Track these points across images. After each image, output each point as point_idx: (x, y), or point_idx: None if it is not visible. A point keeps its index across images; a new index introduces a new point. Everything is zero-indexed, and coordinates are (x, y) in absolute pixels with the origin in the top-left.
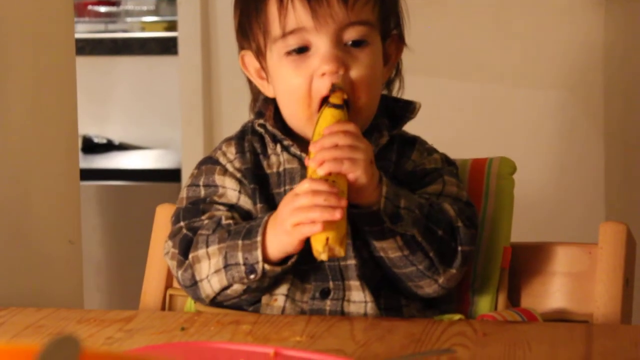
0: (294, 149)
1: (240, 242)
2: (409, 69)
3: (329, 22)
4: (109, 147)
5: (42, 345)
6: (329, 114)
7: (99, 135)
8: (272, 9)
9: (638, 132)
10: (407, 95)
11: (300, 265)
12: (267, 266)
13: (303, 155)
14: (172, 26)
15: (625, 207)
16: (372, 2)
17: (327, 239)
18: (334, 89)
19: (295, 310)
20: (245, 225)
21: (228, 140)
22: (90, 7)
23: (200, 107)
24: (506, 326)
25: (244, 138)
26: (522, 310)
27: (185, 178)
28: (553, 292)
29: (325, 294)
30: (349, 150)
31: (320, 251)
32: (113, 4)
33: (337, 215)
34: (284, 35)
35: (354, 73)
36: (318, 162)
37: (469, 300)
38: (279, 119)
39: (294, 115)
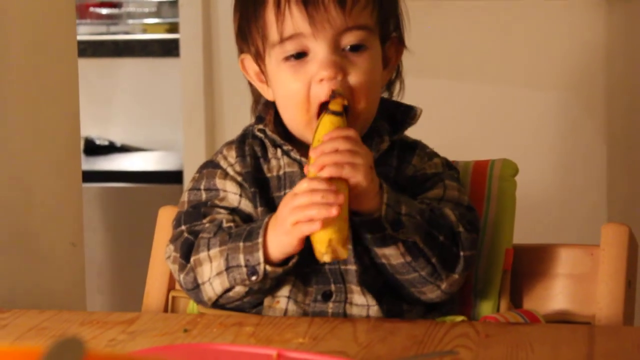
0: (294, 154)
1: (241, 244)
2: (410, 71)
3: (326, 28)
4: (111, 149)
5: (45, 347)
6: (328, 121)
7: (101, 137)
8: (270, 15)
9: None
10: (408, 97)
11: (302, 268)
12: (268, 267)
13: (303, 159)
14: (173, 28)
15: (628, 208)
16: (371, 7)
17: (330, 240)
18: (334, 95)
19: (297, 313)
20: (246, 227)
21: (229, 144)
22: (92, 9)
23: (201, 109)
24: (509, 328)
25: (245, 142)
26: (525, 312)
27: (187, 180)
28: (555, 294)
29: (327, 296)
30: (349, 155)
31: (323, 252)
32: (115, 6)
33: (334, 211)
34: (282, 40)
35: (353, 78)
36: (318, 167)
37: (472, 302)
38: (279, 123)
39: (293, 119)
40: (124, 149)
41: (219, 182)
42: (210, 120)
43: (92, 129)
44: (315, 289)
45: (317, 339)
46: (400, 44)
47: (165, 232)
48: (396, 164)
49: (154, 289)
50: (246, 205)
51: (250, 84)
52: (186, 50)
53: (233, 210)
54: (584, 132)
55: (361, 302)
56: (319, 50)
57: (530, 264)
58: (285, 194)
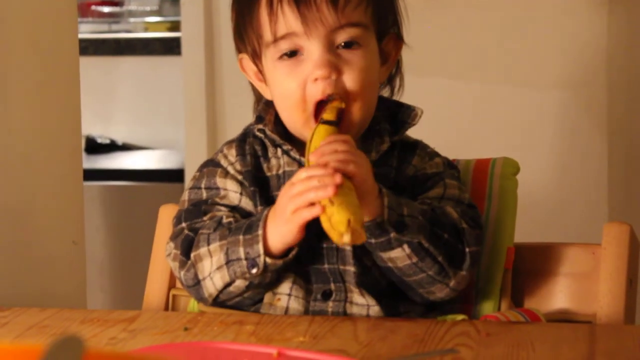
0: (294, 153)
1: (241, 237)
2: (411, 69)
3: (318, 27)
4: (113, 147)
5: (46, 345)
6: (322, 129)
7: (102, 135)
8: (263, 15)
9: None
10: (409, 96)
11: (302, 267)
12: (268, 259)
13: (302, 159)
14: (175, 26)
15: (629, 207)
16: (365, 4)
17: (349, 221)
18: (331, 98)
19: (298, 311)
20: (245, 221)
21: (229, 143)
22: (93, 7)
23: (203, 108)
24: (509, 326)
25: (245, 141)
26: (526, 311)
27: (189, 178)
28: (556, 293)
29: (327, 295)
30: (350, 154)
31: (342, 232)
32: (116, 5)
33: (330, 191)
34: (276, 40)
35: (347, 77)
36: (322, 164)
37: (473, 300)
38: (279, 122)
39: (291, 118)
40: (126, 148)
41: (220, 181)
42: (212, 119)
43: (94, 127)
44: (315, 287)
45: (317, 338)
46: (398, 40)
47: (166, 230)
48: (396, 164)
49: (155, 288)
50: (247, 204)
51: (252, 83)
52: (188, 48)
53: (234, 208)
54: (584, 131)
55: (361, 302)
56: (313, 49)
57: (532, 263)
58: None
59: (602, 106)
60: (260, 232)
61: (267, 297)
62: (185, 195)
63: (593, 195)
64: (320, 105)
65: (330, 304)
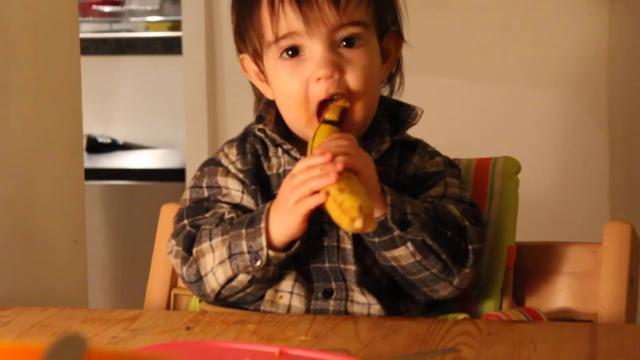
0: (294, 152)
1: (243, 231)
2: (413, 69)
3: (320, 26)
4: (113, 146)
5: (47, 344)
6: (325, 129)
7: (103, 134)
8: (265, 14)
9: None
10: (410, 95)
11: (303, 266)
12: (271, 252)
13: (303, 158)
14: (176, 26)
15: (630, 206)
16: (365, 2)
17: (361, 207)
18: (335, 97)
19: (300, 309)
20: (247, 216)
21: (230, 142)
22: (94, 6)
23: (204, 107)
24: (511, 326)
25: (246, 140)
26: (527, 310)
27: (190, 178)
28: (558, 292)
29: (328, 294)
30: (356, 150)
31: (355, 217)
32: (117, 4)
33: (332, 178)
34: (277, 39)
35: (350, 76)
36: (329, 158)
37: (474, 299)
38: (280, 122)
39: (293, 118)
40: (127, 147)
41: (221, 180)
42: (213, 118)
43: (95, 126)
44: (317, 286)
45: (319, 337)
46: (399, 38)
47: (167, 229)
48: (397, 163)
49: (156, 287)
50: (248, 202)
51: (252, 83)
52: (189, 48)
53: (235, 206)
54: (585, 130)
55: (362, 301)
56: (315, 49)
57: (533, 262)
58: None
59: (604, 105)
60: (262, 224)
61: (269, 294)
62: (187, 194)
63: (594, 194)
64: (323, 105)
65: (332, 302)
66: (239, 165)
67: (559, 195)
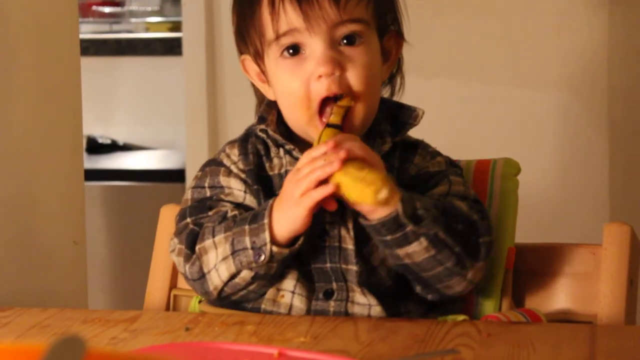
0: (296, 153)
1: (247, 227)
2: (413, 70)
3: (320, 24)
4: (114, 147)
5: (47, 345)
6: (329, 132)
7: (103, 135)
8: (265, 13)
9: None
10: (411, 96)
11: (305, 266)
12: (274, 248)
13: None
14: (176, 27)
15: (630, 207)
16: (365, 0)
17: (382, 179)
18: (340, 97)
19: (302, 309)
20: (250, 212)
21: (231, 143)
22: (94, 7)
23: (204, 108)
24: (510, 327)
25: (248, 141)
26: (526, 311)
27: (190, 178)
28: (557, 293)
29: (329, 295)
30: (360, 144)
31: (378, 188)
32: (117, 5)
33: (336, 165)
34: (277, 38)
35: (351, 73)
36: (345, 152)
37: (473, 301)
38: (282, 122)
39: (295, 117)
40: (127, 148)
41: (223, 180)
42: (213, 119)
43: (95, 127)
44: (318, 287)
45: (318, 338)
46: (399, 37)
47: (167, 230)
48: (398, 164)
49: (156, 288)
50: (251, 201)
51: (253, 85)
52: (189, 48)
53: (238, 205)
54: (585, 132)
55: (363, 302)
56: (315, 46)
57: (532, 263)
58: None
59: (603, 107)
60: (266, 220)
61: (271, 292)
62: (188, 195)
63: (594, 195)
64: (324, 103)
65: (332, 303)
66: (240, 166)
67: (558, 196)
